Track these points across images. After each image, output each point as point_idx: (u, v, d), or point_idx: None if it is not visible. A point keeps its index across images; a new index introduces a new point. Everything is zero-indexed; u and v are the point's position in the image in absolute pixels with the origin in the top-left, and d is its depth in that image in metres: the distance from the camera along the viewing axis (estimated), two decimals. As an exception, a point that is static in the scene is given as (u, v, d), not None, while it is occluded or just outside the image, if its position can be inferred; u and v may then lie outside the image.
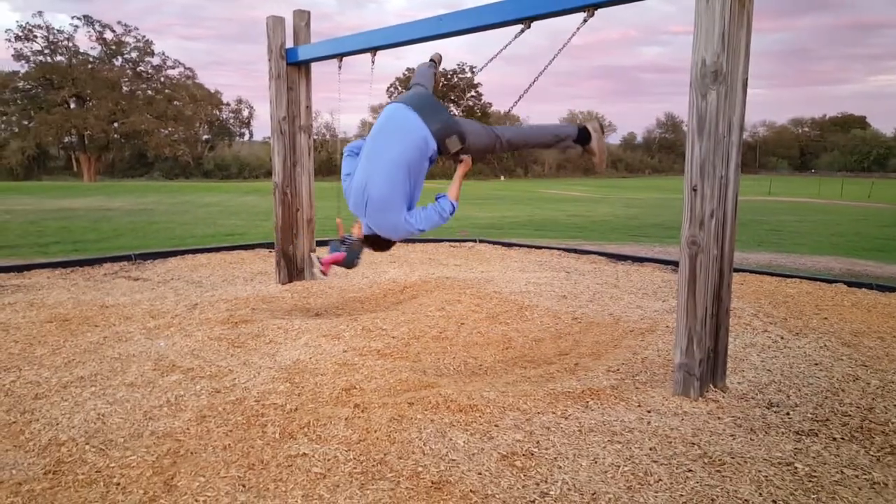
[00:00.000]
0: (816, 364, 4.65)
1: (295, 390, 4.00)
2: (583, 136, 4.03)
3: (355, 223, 6.44)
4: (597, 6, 4.30)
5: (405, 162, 3.49)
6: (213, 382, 4.13)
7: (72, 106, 56.90)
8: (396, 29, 5.94)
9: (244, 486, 2.87)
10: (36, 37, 54.71)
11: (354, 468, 3.00)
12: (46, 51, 55.45)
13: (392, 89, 76.09)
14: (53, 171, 60.64)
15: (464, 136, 3.61)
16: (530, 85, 4.41)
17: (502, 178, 69.99)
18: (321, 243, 10.34)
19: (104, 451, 3.17)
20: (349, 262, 6.26)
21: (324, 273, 6.31)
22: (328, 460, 3.07)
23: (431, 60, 4.77)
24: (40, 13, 70.01)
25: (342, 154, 4.15)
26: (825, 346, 5.09)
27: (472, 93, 75.52)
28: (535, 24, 4.73)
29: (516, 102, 4.74)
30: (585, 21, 4.31)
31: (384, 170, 3.50)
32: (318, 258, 6.36)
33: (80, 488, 2.85)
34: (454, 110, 75.31)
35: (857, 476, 3.01)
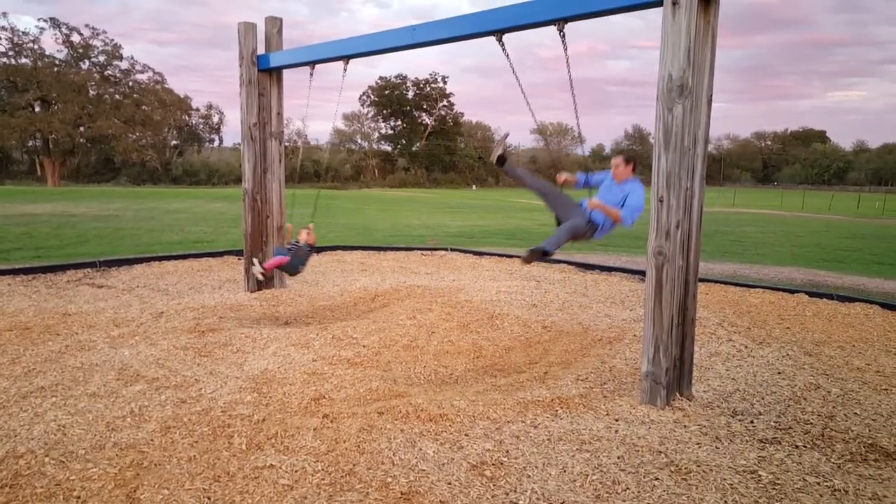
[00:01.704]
0: (779, 373, 4.75)
1: (262, 400, 3.95)
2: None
3: (303, 230, 6.46)
4: (566, 20, 4.37)
5: None
6: (178, 392, 4.05)
7: (36, 109, 55.56)
8: (370, 38, 5.95)
9: (209, 498, 2.82)
10: (0, 38, 53.43)
11: (323, 479, 2.97)
12: (10, 52, 54.12)
13: (364, 97, 76.04)
14: (16, 175, 59.05)
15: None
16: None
17: (474, 187, 70.29)
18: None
19: (64, 464, 3.08)
20: (292, 267, 6.26)
21: (264, 275, 6.31)
22: (296, 472, 3.04)
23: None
24: (4, 14, 68.33)
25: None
26: (788, 355, 5.20)
27: (444, 102, 75.78)
28: (505, 38, 4.79)
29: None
30: (563, 35, 4.40)
31: None
32: (260, 261, 6.36)
33: (38, 502, 2.77)
34: (426, 120, 75.51)
35: (818, 483, 3.08)
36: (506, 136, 5.92)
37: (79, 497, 2.81)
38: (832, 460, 3.35)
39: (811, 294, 7.63)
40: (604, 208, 4.73)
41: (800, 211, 35.04)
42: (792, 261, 11.55)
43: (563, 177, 5.05)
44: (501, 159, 5.01)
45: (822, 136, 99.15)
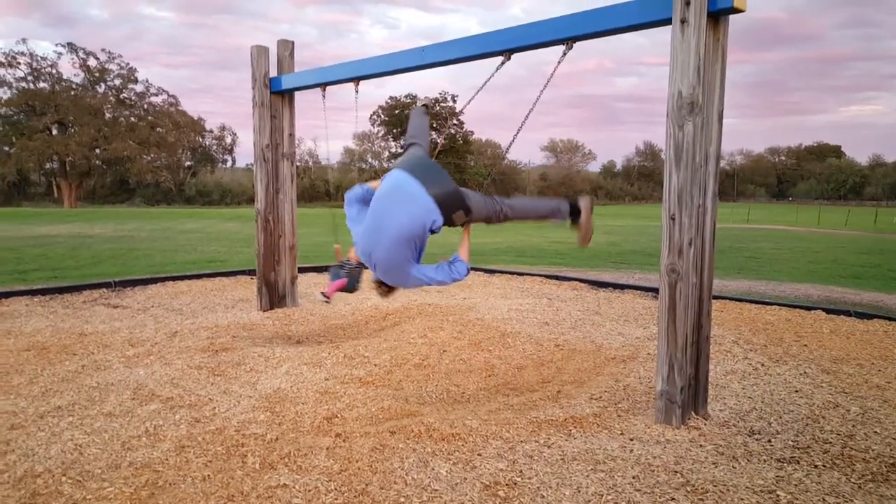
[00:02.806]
0: (797, 391, 4.69)
1: (276, 419, 3.95)
2: (574, 212, 4.08)
3: (352, 248, 6.52)
4: (574, 39, 4.41)
5: (408, 237, 3.45)
6: (192, 412, 4.07)
7: (54, 132, 56.52)
8: (380, 59, 6.02)
9: (223, 518, 2.82)
10: (19, 63, 54.51)
11: (335, 499, 2.97)
12: (29, 77, 55.22)
13: (375, 117, 76.62)
14: (34, 196, 59.95)
15: (469, 210, 3.64)
16: (522, 124, 4.46)
17: (485, 205, 70.25)
18: (307, 269, 10.31)
19: (81, 483, 3.10)
20: (351, 287, 6.36)
21: (328, 299, 6.39)
22: (309, 491, 3.03)
23: (424, 106, 4.62)
24: (24, 40, 69.79)
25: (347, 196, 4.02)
26: (805, 373, 5.14)
27: (455, 121, 76.20)
28: (514, 56, 4.83)
29: (511, 144, 4.74)
30: (565, 54, 4.41)
31: (387, 245, 3.47)
32: (323, 292, 6.43)
33: (53, 522, 2.78)
34: (436, 138, 75.85)
35: None
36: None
37: (94, 517, 2.82)
38: (852, 480, 3.30)
39: (828, 311, 7.55)
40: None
41: (816, 226, 34.74)
42: (808, 277, 11.44)
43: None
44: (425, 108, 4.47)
45: (837, 151, 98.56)
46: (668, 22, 3.89)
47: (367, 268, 5.82)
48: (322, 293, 6.39)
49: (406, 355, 5.46)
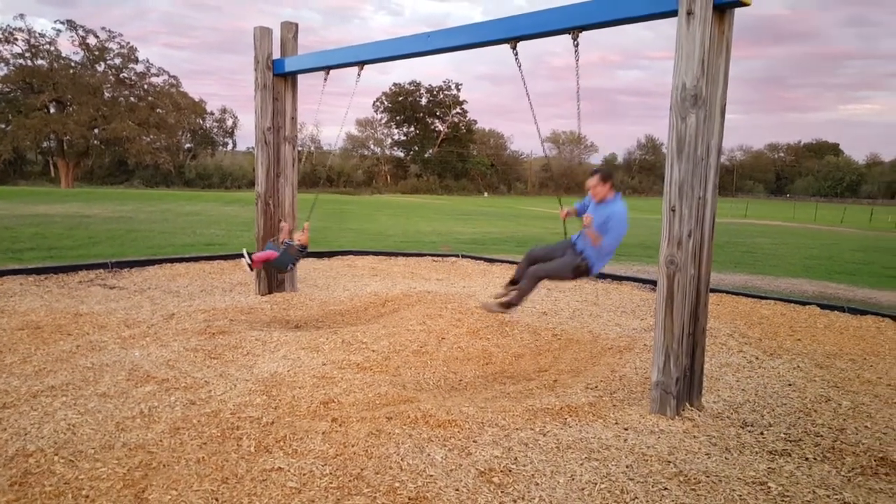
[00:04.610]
0: (790, 385, 4.71)
1: (272, 403, 3.96)
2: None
3: (300, 231, 6.52)
4: (581, 29, 4.38)
5: None
6: (188, 394, 4.07)
7: (51, 111, 56.15)
8: (385, 44, 5.98)
9: (217, 500, 2.83)
10: (17, 39, 54.02)
11: (331, 483, 2.98)
12: (27, 54, 54.77)
13: (378, 104, 76.35)
14: (30, 175, 59.66)
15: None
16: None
17: (486, 194, 70.32)
18: (307, 254, 10.28)
19: (73, 463, 3.10)
20: (281, 264, 6.34)
21: (251, 268, 6.38)
22: (304, 475, 3.04)
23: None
24: (22, 16, 69.38)
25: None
26: (798, 367, 5.16)
27: (458, 110, 75.92)
28: (520, 45, 4.81)
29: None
30: (576, 43, 4.39)
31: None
32: (249, 253, 6.39)
33: (47, 500, 2.79)
34: (439, 126, 75.59)
35: (828, 496, 3.05)
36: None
37: (87, 496, 2.82)
38: (842, 473, 3.32)
39: (823, 306, 7.57)
40: (589, 233, 4.49)
41: (812, 223, 34.80)
42: (804, 273, 11.47)
43: (564, 211, 4.84)
44: (508, 305, 4.84)
45: (835, 149, 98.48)
46: (674, 13, 3.87)
47: (305, 256, 5.98)
48: (248, 254, 6.30)
49: (404, 342, 5.47)
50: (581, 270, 4.62)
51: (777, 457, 3.48)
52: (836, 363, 5.36)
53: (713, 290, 7.93)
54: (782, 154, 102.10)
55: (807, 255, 14.81)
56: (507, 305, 4.80)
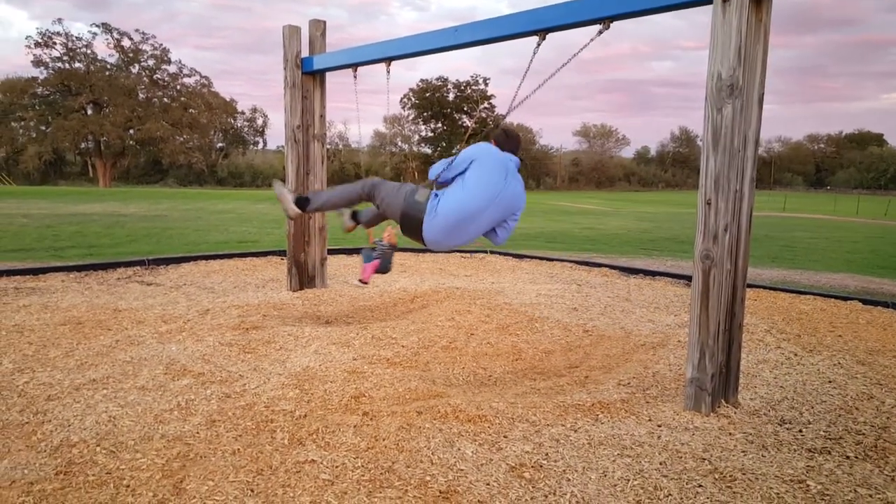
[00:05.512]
0: (830, 382, 4.59)
1: (304, 397, 4.00)
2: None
3: (385, 229, 6.53)
4: (611, 19, 4.31)
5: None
6: (223, 387, 4.14)
7: (89, 112, 57.59)
8: (412, 39, 5.98)
9: (252, 490, 2.87)
10: (55, 44, 55.54)
11: (362, 476, 3.00)
12: (65, 57, 56.27)
13: (405, 100, 76.51)
14: (69, 176, 61.35)
15: None
16: (523, 99, 4.38)
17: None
18: (337, 251, 10.37)
19: (114, 453, 3.18)
20: (384, 268, 6.36)
21: (365, 283, 6.41)
22: (336, 467, 3.07)
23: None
24: (59, 21, 71.15)
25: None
26: (839, 363, 5.03)
27: (485, 105, 75.67)
28: (548, 37, 4.74)
29: (511, 110, 4.62)
30: (601, 33, 4.31)
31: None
32: (360, 279, 6.44)
33: (90, 489, 2.86)
34: (467, 122, 75.45)
35: (870, 496, 2.96)
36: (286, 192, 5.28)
37: (128, 486, 2.89)
38: (885, 472, 3.22)
39: (865, 301, 7.36)
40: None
41: (854, 216, 33.85)
42: (845, 267, 11.16)
43: None
44: (302, 202, 4.88)
45: (879, 139, 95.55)
46: (708, 1, 3.79)
47: (398, 249, 5.93)
48: (359, 280, 6.39)
49: (433, 337, 5.48)
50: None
51: (816, 455, 3.39)
52: (879, 360, 5.20)
53: (750, 285, 7.79)
54: (822, 145, 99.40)
55: (849, 250, 14.43)
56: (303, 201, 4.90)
